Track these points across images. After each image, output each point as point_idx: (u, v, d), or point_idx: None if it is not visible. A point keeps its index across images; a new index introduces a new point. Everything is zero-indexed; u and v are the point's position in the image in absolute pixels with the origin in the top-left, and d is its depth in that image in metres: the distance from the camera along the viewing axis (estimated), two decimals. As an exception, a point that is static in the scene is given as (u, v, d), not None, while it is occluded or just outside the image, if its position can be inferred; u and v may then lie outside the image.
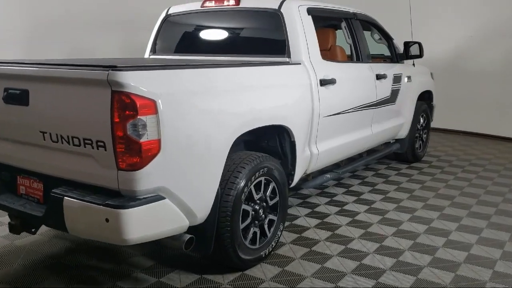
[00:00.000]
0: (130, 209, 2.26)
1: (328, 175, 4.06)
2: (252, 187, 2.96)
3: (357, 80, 4.19)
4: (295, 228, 3.71)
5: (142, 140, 2.24)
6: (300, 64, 3.50)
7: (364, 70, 4.37)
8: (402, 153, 5.70)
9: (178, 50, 4.25)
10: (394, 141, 5.52)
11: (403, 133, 5.40)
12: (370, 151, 5.12)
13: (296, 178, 3.54)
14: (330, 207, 4.18)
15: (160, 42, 4.32)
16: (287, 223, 3.77)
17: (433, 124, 8.01)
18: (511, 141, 7.25)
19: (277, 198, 3.23)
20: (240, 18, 3.96)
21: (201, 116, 2.54)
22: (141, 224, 2.33)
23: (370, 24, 4.93)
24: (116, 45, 7.50)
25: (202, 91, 2.59)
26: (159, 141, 2.30)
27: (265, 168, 3.03)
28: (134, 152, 2.24)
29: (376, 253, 3.28)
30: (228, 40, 4.01)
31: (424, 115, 5.88)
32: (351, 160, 4.72)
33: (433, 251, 3.33)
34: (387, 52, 5.30)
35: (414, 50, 5.10)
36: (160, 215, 2.40)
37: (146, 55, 4.37)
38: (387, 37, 5.13)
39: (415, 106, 5.54)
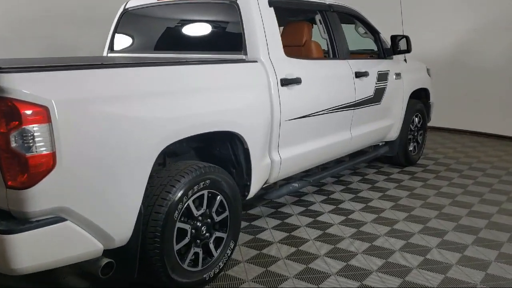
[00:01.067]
0: (19, 234, 1.95)
1: (295, 184, 3.67)
2: (190, 202, 2.62)
3: (330, 79, 3.78)
4: (256, 243, 3.35)
5: (28, 154, 1.91)
6: (256, 62, 3.13)
7: (340, 68, 3.96)
8: (394, 156, 5.27)
9: (136, 47, 3.92)
10: (383, 143, 5.10)
11: (393, 135, 4.97)
12: (355, 155, 4.72)
13: (254, 189, 3.17)
14: (303, 217, 3.80)
15: (118, 39, 4.00)
16: (249, 237, 3.42)
17: (438, 124, 7.62)
18: (520, 141, 6.74)
19: (226, 213, 2.87)
20: (197, 12, 3.61)
21: (115, 123, 2.20)
22: (34, 251, 2.00)
23: (352, 17, 4.52)
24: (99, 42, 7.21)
25: (117, 95, 2.24)
26: (53, 154, 1.96)
27: (207, 181, 2.68)
28: (21, 168, 1.92)
29: (339, 275, 2.89)
30: (185, 37, 3.66)
31: (419, 114, 5.42)
32: (336, 163, 4.35)
33: (405, 273, 2.92)
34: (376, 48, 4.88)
35: (402, 44, 4.66)
36: (60, 239, 2.07)
37: (104, 54, 4.06)
38: (372, 31, 4.70)
39: (407, 105, 5.10)
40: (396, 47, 4.62)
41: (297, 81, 3.34)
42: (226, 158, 3.07)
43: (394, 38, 4.61)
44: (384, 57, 4.75)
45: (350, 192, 4.45)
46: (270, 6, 3.33)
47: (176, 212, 2.52)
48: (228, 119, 2.82)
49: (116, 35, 4.01)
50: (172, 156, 2.96)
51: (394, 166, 5.39)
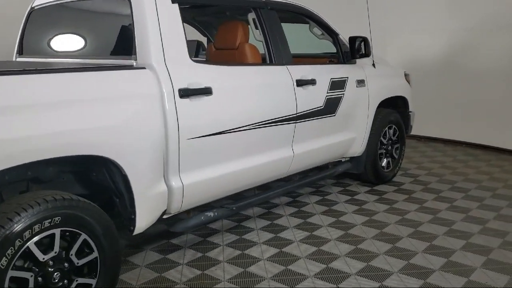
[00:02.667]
0: None
1: (210, 213, 3.11)
2: (31, 244, 2.10)
3: (257, 88, 3.20)
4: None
5: None
6: (144, 68, 2.59)
7: (274, 75, 3.39)
8: (362, 174, 4.64)
9: (42, 51, 3.44)
10: (347, 159, 4.48)
11: (357, 150, 4.35)
12: (306, 174, 4.13)
13: (143, 223, 2.63)
14: (230, 249, 3.25)
15: (26, 42, 3.53)
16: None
17: (431, 134, 6.92)
18: (520, 155, 5.98)
19: (94, 255, 2.35)
20: (96, 11, 3.10)
21: None
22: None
23: (302, 16, 3.93)
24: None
25: None
26: None
27: (56, 218, 2.15)
28: None
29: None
30: (82, 40, 3.15)
31: (394, 126, 4.78)
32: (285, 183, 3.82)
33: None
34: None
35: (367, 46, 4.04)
36: None
37: (14, 58, 3.60)
38: (329, 32, 4.10)
39: (377, 116, 4.47)
40: (355, 50, 4.00)
41: (205, 91, 2.80)
42: (106, 185, 2.55)
43: (353, 40, 4.00)
44: (344, 62, 4.14)
45: (299, 217, 3.86)
46: (173, 3, 2.80)
47: (4, 258, 2.01)
48: (90, 141, 2.29)
49: (27, 36, 3.55)
50: (38, 183, 2.47)
51: (365, 184, 4.77)
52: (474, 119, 6.37)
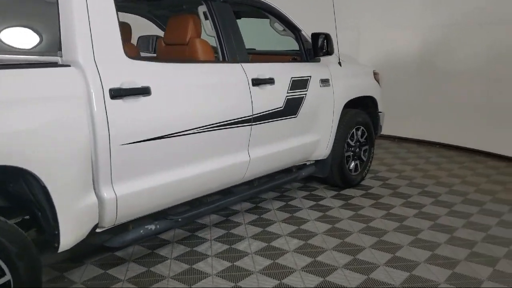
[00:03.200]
0: None
1: (151, 226, 2.83)
2: None
3: (206, 87, 2.93)
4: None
5: None
6: (69, 66, 2.30)
7: (226, 74, 3.13)
8: (328, 177, 4.41)
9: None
10: (312, 162, 4.25)
11: (322, 152, 4.12)
12: (268, 179, 3.88)
13: (68, 239, 2.34)
14: (177, 263, 2.99)
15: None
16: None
17: (404, 134, 6.73)
18: (493, 157, 5.81)
19: (7, 277, 2.06)
20: (21, 1, 2.79)
21: None
22: None
23: (260, 9, 3.67)
24: None
25: None
26: None
27: None
28: None
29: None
30: (6, 34, 2.84)
31: (363, 127, 4.55)
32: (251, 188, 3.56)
33: None
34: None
35: (330, 43, 3.79)
36: None
37: None
38: (291, 28, 3.85)
39: (343, 117, 4.25)
40: (318, 47, 3.75)
41: (142, 91, 2.52)
42: (25, 198, 2.26)
43: (316, 37, 3.75)
44: (307, 60, 3.90)
45: (260, 225, 3.61)
46: (108, -7, 2.51)
47: None
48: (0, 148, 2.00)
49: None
50: None
51: (332, 188, 4.54)
52: (450, 119, 6.20)
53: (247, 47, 3.60)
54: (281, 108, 3.48)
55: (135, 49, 3.59)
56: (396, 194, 4.40)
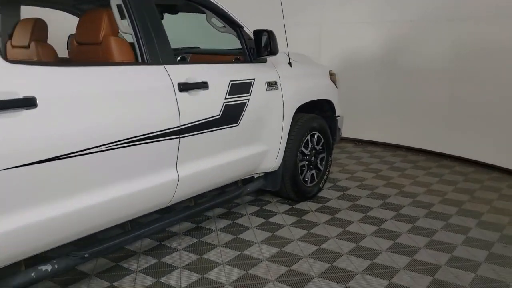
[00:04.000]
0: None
1: (48, 266, 2.32)
2: None
3: (114, 95, 2.42)
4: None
5: None
6: None
7: (145, 78, 2.63)
8: (281, 190, 3.97)
9: None
10: (262, 174, 3.80)
11: (270, 164, 3.68)
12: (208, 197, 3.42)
13: None
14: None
15: None
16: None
17: (369, 137, 6.36)
18: (461, 162, 5.47)
19: None
20: None
21: None
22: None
23: (192, 2, 3.19)
24: None
25: None
26: None
27: None
28: None
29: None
30: None
31: (318, 134, 4.13)
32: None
33: None
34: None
35: (274, 42, 3.34)
36: None
37: None
38: (231, 24, 3.38)
39: (295, 123, 3.82)
40: (262, 46, 3.30)
41: (24, 103, 2.01)
42: None
43: (259, 34, 3.30)
44: (251, 60, 3.44)
45: (198, 251, 3.14)
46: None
47: None
48: None
49: None
50: None
51: (286, 201, 4.10)
52: (415, 121, 5.85)
53: (191, 45, 3.15)
54: (217, 117, 3.02)
55: (51, 50, 3.06)
56: (355, 207, 3.99)
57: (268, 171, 3.72)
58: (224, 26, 3.41)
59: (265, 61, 3.53)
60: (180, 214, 3.12)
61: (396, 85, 5.95)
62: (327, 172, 4.33)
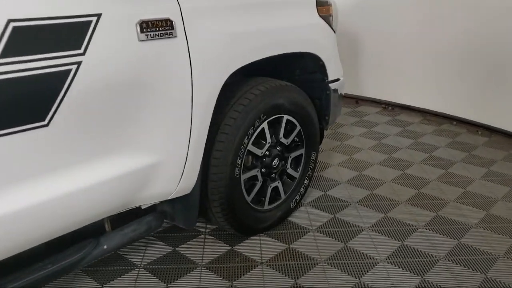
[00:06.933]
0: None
1: None
2: None
3: None
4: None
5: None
6: None
7: None
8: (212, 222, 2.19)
9: None
10: (159, 204, 2.00)
11: (169, 186, 1.84)
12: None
13: None
14: None
15: None
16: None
17: (406, 101, 4.29)
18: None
19: None
20: None
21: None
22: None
23: None
24: None
25: None
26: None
27: None
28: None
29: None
30: None
31: (289, 117, 2.23)
32: None
33: None
34: None
35: None
36: None
37: None
38: None
39: (223, 102, 1.96)
40: None
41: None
42: None
43: None
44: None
45: None
46: None
47: None
48: None
49: None
50: None
51: (224, 235, 2.34)
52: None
53: None
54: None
55: None
56: (347, 255, 2.16)
57: (168, 198, 1.90)
58: None
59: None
60: None
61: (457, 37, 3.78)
62: (306, 181, 2.48)
